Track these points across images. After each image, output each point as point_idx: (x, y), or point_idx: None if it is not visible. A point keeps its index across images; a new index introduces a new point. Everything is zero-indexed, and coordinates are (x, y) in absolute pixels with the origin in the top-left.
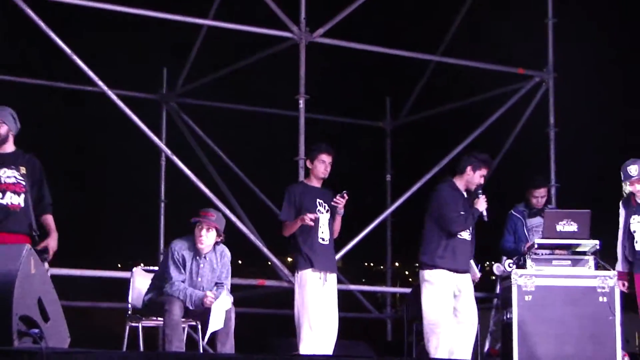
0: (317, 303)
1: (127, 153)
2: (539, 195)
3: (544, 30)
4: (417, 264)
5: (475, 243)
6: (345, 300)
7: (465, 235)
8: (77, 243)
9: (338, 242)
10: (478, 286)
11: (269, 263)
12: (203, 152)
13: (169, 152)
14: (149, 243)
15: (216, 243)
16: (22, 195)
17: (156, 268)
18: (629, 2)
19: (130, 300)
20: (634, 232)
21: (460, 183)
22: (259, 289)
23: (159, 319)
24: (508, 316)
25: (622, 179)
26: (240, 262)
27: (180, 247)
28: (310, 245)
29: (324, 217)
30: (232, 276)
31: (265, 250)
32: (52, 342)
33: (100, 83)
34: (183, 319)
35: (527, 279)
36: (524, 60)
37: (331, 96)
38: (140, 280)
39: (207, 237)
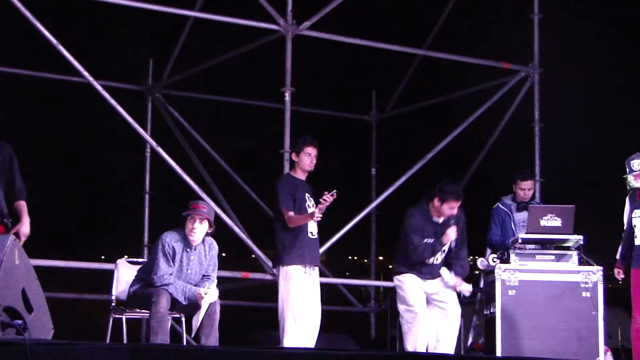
0: (302, 297)
1: (112, 144)
2: (526, 187)
3: (529, 25)
4: None
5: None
6: (329, 294)
7: (433, 260)
8: (62, 234)
9: (322, 236)
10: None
11: (252, 256)
12: (188, 143)
13: (154, 143)
14: (133, 235)
15: (206, 234)
16: None
17: (141, 260)
18: None
19: (114, 292)
20: (635, 226)
21: (433, 209)
22: (241, 281)
23: (143, 311)
24: (492, 310)
25: (627, 172)
26: (224, 254)
27: (171, 239)
28: (301, 240)
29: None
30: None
31: (249, 242)
32: (36, 334)
33: (86, 74)
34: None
35: (511, 274)
36: (509, 55)
37: (317, 89)
38: (124, 272)
39: (200, 230)
